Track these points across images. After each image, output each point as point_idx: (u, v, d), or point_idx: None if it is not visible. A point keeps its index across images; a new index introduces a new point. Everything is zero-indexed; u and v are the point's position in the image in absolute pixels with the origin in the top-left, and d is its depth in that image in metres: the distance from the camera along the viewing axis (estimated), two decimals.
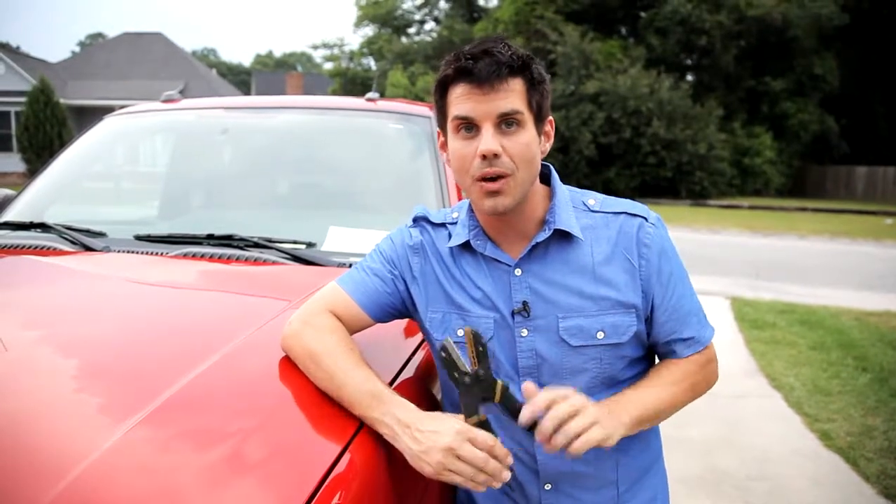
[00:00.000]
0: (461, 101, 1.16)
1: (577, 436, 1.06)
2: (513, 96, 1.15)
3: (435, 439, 1.03)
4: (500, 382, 1.11)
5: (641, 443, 1.30)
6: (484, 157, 1.14)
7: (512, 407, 1.11)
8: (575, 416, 1.06)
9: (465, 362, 1.11)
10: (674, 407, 1.24)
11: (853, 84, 29.66)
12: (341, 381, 1.12)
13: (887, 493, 3.13)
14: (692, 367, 1.26)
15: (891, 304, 7.29)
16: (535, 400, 1.07)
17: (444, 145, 1.26)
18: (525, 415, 1.07)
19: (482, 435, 1.05)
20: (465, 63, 1.14)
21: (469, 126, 1.16)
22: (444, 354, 1.12)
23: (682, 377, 1.25)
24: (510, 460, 1.06)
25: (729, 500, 3.06)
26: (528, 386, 1.09)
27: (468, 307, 1.25)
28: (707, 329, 1.29)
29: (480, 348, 1.10)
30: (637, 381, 1.25)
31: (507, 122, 1.15)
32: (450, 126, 1.20)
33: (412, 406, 1.10)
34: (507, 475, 1.05)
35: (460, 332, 1.24)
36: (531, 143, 1.18)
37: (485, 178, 1.15)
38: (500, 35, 1.22)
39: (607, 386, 1.24)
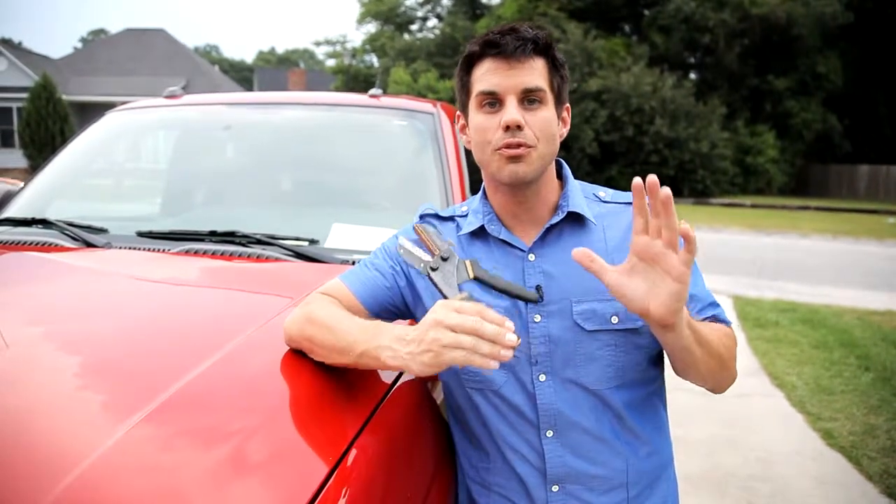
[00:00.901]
0: (487, 75, 1.18)
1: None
2: (536, 73, 1.18)
3: (422, 326, 1.01)
4: (469, 260, 1.12)
5: (652, 446, 1.27)
6: (507, 127, 1.16)
7: (488, 280, 1.10)
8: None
9: (426, 253, 1.14)
10: (711, 354, 1.14)
11: (856, 83, 29.63)
12: (339, 327, 1.13)
13: (890, 492, 3.12)
14: (727, 332, 1.21)
15: (893, 303, 7.28)
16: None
17: (465, 128, 1.28)
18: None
19: (468, 303, 1.01)
20: (492, 37, 1.18)
21: (493, 102, 1.18)
22: (402, 251, 1.14)
23: (712, 331, 1.17)
24: (510, 324, 0.99)
25: (732, 499, 3.05)
26: None
27: (477, 295, 1.22)
28: (724, 315, 1.25)
29: (434, 235, 1.13)
30: None
31: (529, 98, 1.17)
32: (473, 102, 1.21)
33: (408, 327, 1.07)
34: (512, 338, 0.97)
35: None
36: (552, 121, 1.20)
37: (507, 147, 1.17)
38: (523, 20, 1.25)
39: (623, 379, 1.21)
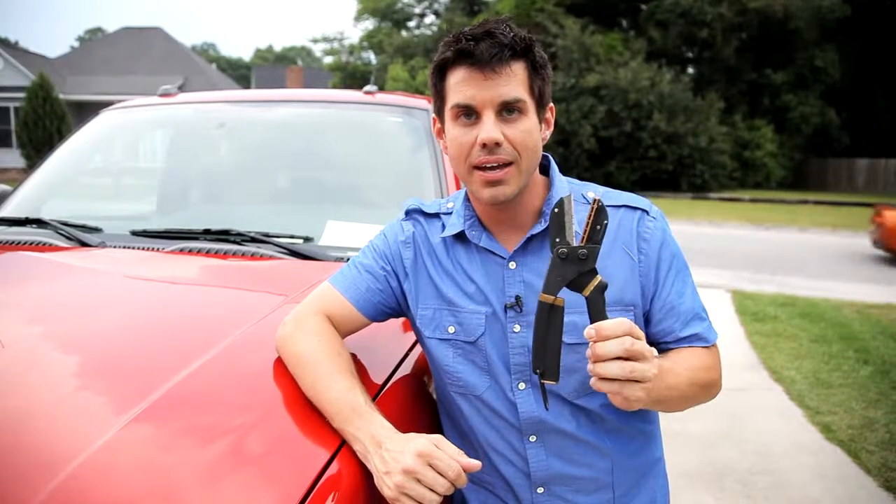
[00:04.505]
0: (461, 86, 1.11)
1: (624, 380, 0.96)
2: (515, 82, 1.10)
3: (397, 459, 0.97)
4: (599, 277, 0.98)
5: (638, 445, 1.25)
6: (484, 145, 1.10)
7: (595, 310, 0.98)
8: (639, 360, 0.96)
9: (576, 234, 0.98)
10: (682, 400, 1.15)
11: (854, 76, 29.62)
12: (323, 388, 1.09)
13: (888, 485, 3.12)
14: (704, 359, 1.19)
15: (892, 296, 7.29)
16: (614, 325, 0.96)
17: (441, 132, 1.22)
18: (591, 332, 0.96)
19: (446, 460, 0.97)
20: (465, 45, 1.09)
21: (469, 113, 1.12)
22: (556, 210, 0.99)
23: (696, 364, 1.16)
24: (466, 477, 1.00)
25: (730, 493, 3.05)
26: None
27: (459, 302, 1.21)
28: (710, 332, 1.22)
29: (598, 227, 0.96)
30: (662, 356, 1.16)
31: (508, 109, 1.11)
32: (448, 113, 1.15)
33: (387, 424, 1.03)
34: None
35: (451, 330, 1.21)
36: (533, 131, 1.14)
37: (485, 167, 1.12)
38: (502, 17, 1.16)
39: None
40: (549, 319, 0.99)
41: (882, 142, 29.52)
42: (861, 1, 27.77)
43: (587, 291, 0.98)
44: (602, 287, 0.98)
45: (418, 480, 0.96)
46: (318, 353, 1.14)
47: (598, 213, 0.96)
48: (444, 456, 0.98)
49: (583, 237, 0.97)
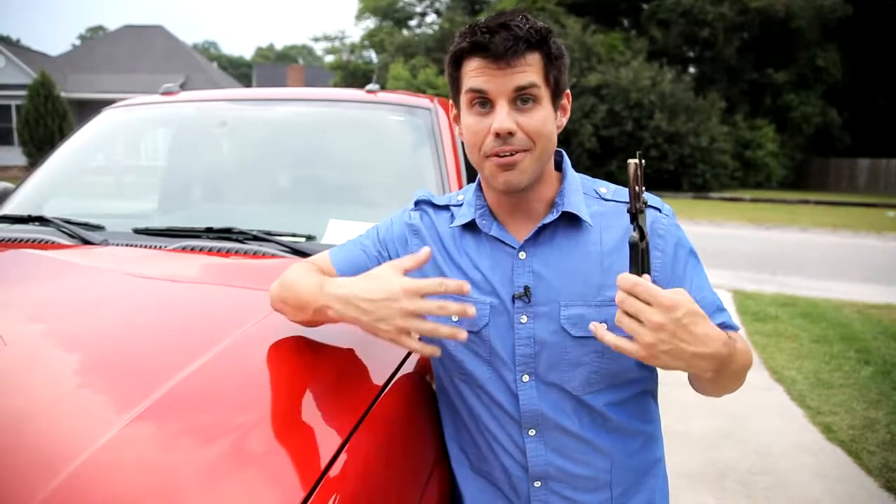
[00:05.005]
0: (475, 73, 1.12)
1: (629, 337, 0.98)
2: (529, 71, 1.10)
3: (389, 306, 1.07)
4: (635, 235, 1.02)
5: (639, 445, 1.25)
6: (497, 135, 1.11)
7: (637, 262, 1.01)
8: (635, 316, 0.98)
9: (638, 196, 1.03)
10: (734, 378, 1.16)
11: (856, 76, 29.60)
12: (297, 287, 1.19)
13: (889, 486, 3.12)
14: (744, 348, 1.17)
15: (893, 296, 7.27)
16: (620, 278, 0.99)
17: (457, 118, 1.23)
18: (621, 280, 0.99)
19: (427, 282, 1.07)
20: (480, 37, 1.10)
21: (483, 101, 1.12)
22: (635, 166, 1.02)
23: (738, 356, 1.13)
24: (467, 287, 1.07)
25: (731, 494, 3.05)
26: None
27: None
28: (731, 320, 1.22)
29: (637, 189, 1.01)
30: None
31: (522, 98, 1.11)
32: (463, 99, 1.16)
33: (346, 279, 1.14)
34: (472, 310, 1.07)
35: (455, 318, 1.20)
36: (547, 120, 1.14)
37: (498, 155, 1.13)
38: (518, 8, 1.16)
39: (608, 383, 1.18)
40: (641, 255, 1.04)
41: (883, 142, 29.51)
42: (863, 0, 27.74)
43: (632, 240, 1.03)
44: (632, 243, 1.02)
45: (417, 315, 1.06)
46: (296, 268, 1.25)
47: (636, 175, 1.01)
48: (424, 280, 1.07)
49: (636, 199, 1.03)
